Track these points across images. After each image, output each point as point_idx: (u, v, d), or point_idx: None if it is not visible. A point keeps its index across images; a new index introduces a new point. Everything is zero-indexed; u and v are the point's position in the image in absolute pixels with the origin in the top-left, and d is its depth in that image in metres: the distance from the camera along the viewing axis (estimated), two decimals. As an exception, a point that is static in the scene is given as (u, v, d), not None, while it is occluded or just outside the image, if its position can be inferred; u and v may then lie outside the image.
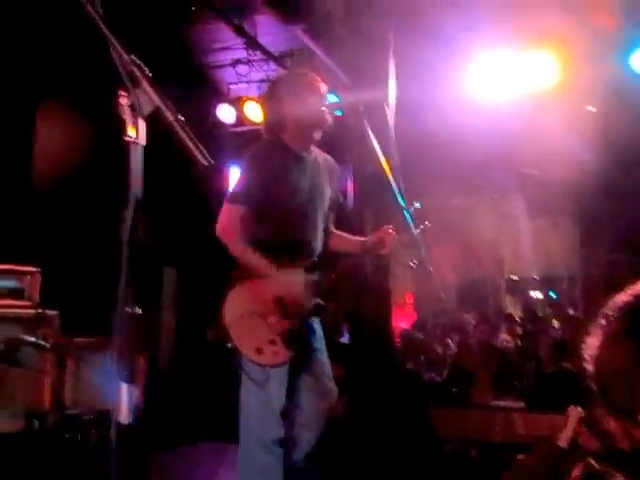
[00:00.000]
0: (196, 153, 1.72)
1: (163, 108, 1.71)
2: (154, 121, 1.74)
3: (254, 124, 7.37)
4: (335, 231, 3.46)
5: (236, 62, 7.35)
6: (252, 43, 6.73)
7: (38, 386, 4.44)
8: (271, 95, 3.33)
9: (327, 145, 3.37)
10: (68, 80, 5.88)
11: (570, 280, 11.42)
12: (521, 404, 5.23)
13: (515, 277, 12.10)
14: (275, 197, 3.09)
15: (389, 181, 3.19)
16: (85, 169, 6.02)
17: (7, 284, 4.63)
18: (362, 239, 3.40)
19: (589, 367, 1.45)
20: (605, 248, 9.23)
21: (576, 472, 1.68)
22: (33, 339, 4.41)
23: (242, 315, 2.98)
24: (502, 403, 5.38)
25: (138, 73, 1.71)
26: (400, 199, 3.19)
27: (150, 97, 1.71)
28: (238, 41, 6.81)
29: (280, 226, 3.10)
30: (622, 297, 1.44)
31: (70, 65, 5.74)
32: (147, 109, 1.71)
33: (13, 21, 5.32)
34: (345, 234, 3.48)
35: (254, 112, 7.51)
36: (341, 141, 4.59)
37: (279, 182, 3.09)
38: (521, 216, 10.53)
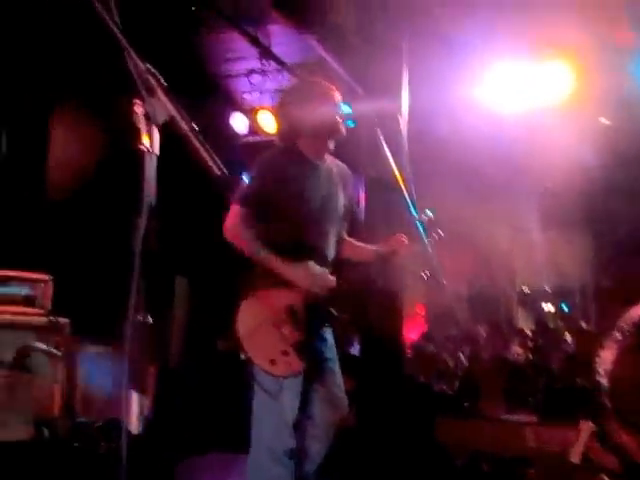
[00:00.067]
0: (210, 163, 1.73)
1: (178, 117, 1.72)
2: (168, 129, 1.74)
3: (267, 134, 7.40)
4: (348, 239, 3.45)
5: (250, 72, 7.36)
6: (266, 53, 6.75)
7: (49, 394, 4.44)
8: (285, 102, 3.30)
9: (340, 156, 3.37)
10: (82, 89, 5.91)
11: (582, 292, 11.34)
12: (533, 418, 5.19)
13: (527, 289, 12.02)
14: (287, 203, 3.06)
15: (402, 191, 3.18)
16: (98, 177, 6.04)
17: (20, 291, 4.65)
18: (374, 247, 3.38)
19: (603, 381, 1.44)
20: (618, 261, 9.17)
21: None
22: (44, 347, 4.43)
23: (255, 326, 2.96)
24: (514, 417, 5.34)
25: (153, 82, 1.72)
26: (412, 209, 3.19)
27: (165, 106, 1.71)
28: (252, 51, 6.83)
29: (292, 232, 3.07)
30: (637, 311, 1.43)
31: (85, 73, 5.78)
32: (162, 118, 1.72)
33: (28, 29, 5.36)
34: (358, 242, 3.47)
35: (267, 122, 7.52)
36: (353, 151, 4.58)
37: (292, 188, 3.07)
38: (534, 228, 10.47)
